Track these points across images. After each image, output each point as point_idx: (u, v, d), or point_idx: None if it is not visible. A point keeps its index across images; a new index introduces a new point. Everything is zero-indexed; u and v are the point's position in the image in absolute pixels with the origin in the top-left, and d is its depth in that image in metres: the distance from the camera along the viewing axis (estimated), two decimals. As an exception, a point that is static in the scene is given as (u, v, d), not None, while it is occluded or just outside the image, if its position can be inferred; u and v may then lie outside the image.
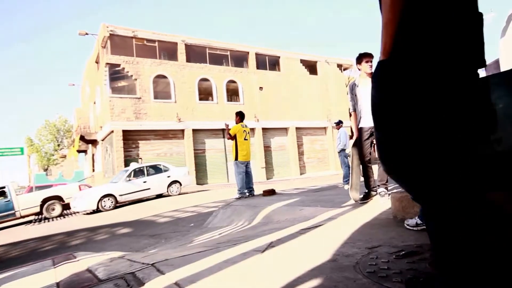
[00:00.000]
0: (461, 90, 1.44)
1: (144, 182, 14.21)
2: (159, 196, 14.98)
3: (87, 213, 12.64)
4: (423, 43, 1.41)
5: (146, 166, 15.02)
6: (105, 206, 12.74)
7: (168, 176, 15.00)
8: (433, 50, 1.41)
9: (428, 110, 1.40)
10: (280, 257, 2.55)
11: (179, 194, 14.91)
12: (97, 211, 12.54)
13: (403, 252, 2.19)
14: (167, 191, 14.89)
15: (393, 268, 1.95)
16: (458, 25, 1.42)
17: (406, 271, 1.89)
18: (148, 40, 21.98)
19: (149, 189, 14.26)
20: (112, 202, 12.98)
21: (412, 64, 1.42)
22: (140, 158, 20.02)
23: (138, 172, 14.52)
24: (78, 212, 13.31)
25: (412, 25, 1.41)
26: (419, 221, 2.78)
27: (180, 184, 15.32)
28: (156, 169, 15.17)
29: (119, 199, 13.31)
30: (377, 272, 1.92)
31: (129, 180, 13.97)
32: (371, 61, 4.53)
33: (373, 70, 4.51)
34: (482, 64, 1.49)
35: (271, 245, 2.90)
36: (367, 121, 4.60)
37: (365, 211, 3.96)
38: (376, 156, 4.57)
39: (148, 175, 14.59)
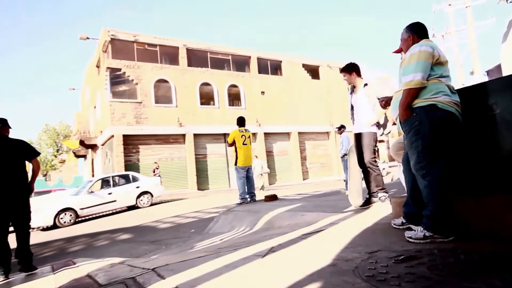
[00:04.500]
0: None
1: (109, 193, 12.94)
2: (132, 208, 13.76)
3: (42, 229, 11.49)
4: None
5: (113, 176, 13.91)
6: (63, 221, 11.44)
7: (137, 187, 13.81)
8: None
9: None
10: (281, 262, 2.56)
11: (150, 205, 13.88)
12: (54, 227, 11.28)
13: (402, 257, 2.20)
14: (136, 203, 13.66)
15: (391, 272, 1.96)
16: None
17: (404, 274, 1.91)
18: (149, 45, 22.05)
19: (115, 201, 12.99)
20: (71, 217, 11.68)
21: None
22: (155, 163, 19.81)
23: (105, 183, 13.51)
24: (33, 229, 11.26)
25: None
26: (403, 221, 3.04)
27: (152, 195, 14.15)
28: (125, 179, 14.02)
29: (80, 213, 12.01)
30: (375, 276, 1.94)
31: (92, 192, 12.71)
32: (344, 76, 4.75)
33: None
34: None
35: (272, 250, 2.91)
36: (359, 127, 4.63)
37: (366, 217, 3.96)
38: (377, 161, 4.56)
39: (115, 185, 13.41)
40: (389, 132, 4.81)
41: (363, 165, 4.62)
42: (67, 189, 18.26)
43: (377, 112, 4.46)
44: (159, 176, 18.41)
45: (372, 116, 4.48)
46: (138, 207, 13.65)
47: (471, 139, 2.81)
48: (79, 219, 12.17)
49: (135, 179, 14.11)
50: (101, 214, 13.05)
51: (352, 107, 4.81)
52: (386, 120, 4.72)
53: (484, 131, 2.75)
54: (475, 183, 2.78)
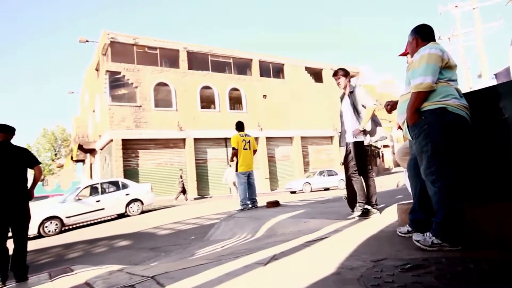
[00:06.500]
0: None
1: (97, 201, 12.48)
2: (121, 216, 13.26)
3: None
4: None
5: (102, 183, 13.50)
6: (48, 230, 11.04)
7: (127, 194, 13.36)
8: None
9: None
10: (283, 270, 2.52)
11: (140, 213, 13.41)
12: (39, 236, 10.82)
13: (409, 265, 2.15)
14: (126, 211, 13.20)
15: (397, 281, 1.91)
16: None
17: (411, 284, 1.85)
18: (149, 47, 22.06)
19: (103, 209, 12.52)
20: (56, 226, 11.23)
21: None
22: (181, 170, 19.83)
23: (93, 190, 13.06)
24: None
25: None
26: (409, 229, 2.97)
27: (142, 203, 13.67)
28: (115, 186, 13.66)
29: (66, 221, 11.54)
30: (381, 285, 1.89)
31: (79, 199, 12.24)
32: (337, 79, 4.67)
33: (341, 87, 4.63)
34: None
35: (274, 258, 2.86)
36: (347, 137, 4.60)
37: (371, 224, 3.90)
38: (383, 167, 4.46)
39: (103, 193, 13.02)
40: (380, 139, 4.73)
41: (365, 172, 4.55)
42: (64, 195, 18.12)
43: (362, 119, 4.44)
44: (183, 182, 18.47)
45: (356, 124, 4.48)
46: (128, 215, 13.20)
47: (479, 143, 2.76)
48: (65, 227, 11.69)
49: (125, 186, 13.67)
50: (88, 222, 12.53)
51: (341, 114, 4.80)
52: (375, 125, 4.63)
53: (493, 136, 2.71)
54: (484, 189, 2.73)
